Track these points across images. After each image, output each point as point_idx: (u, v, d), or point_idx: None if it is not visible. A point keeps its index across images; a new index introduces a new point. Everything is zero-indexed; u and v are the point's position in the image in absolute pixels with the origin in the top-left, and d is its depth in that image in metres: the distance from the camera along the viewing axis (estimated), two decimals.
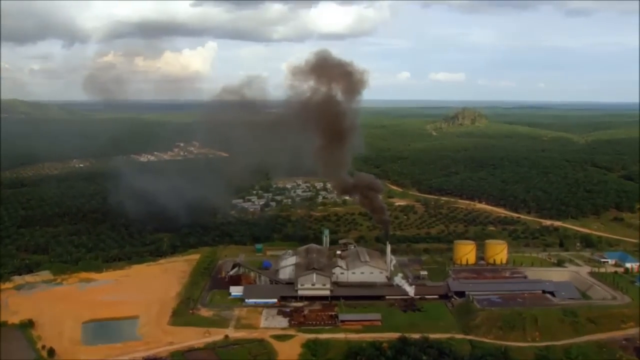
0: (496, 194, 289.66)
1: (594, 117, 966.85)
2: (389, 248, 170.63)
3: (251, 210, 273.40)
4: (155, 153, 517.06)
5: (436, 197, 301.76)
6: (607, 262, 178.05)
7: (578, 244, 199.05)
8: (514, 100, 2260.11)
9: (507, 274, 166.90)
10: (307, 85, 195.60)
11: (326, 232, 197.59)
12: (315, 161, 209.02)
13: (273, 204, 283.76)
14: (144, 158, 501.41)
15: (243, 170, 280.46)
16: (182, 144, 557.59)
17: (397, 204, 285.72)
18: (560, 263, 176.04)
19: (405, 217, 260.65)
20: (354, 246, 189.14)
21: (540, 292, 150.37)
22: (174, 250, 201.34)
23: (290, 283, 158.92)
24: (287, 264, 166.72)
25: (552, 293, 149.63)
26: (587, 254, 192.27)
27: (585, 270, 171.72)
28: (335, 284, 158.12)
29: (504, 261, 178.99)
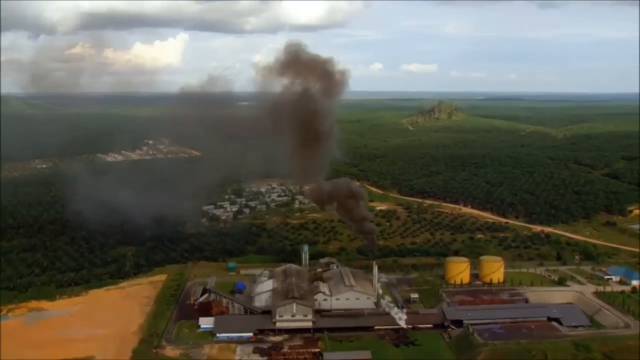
0: (482, 197, 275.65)
1: (568, 110, 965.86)
2: (375, 269, 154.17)
3: (223, 218, 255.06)
4: (123, 152, 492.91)
5: (419, 200, 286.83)
6: (611, 278, 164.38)
7: (577, 257, 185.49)
8: (486, 91, 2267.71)
9: (506, 296, 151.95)
10: (280, 83, 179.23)
11: (305, 248, 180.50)
12: (289, 167, 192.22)
13: (246, 210, 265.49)
14: (110, 157, 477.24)
15: (215, 172, 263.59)
16: (151, 142, 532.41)
17: (378, 208, 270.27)
18: (561, 281, 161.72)
19: (387, 223, 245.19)
20: (337, 266, 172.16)
21: (546, 319, 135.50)
22: (138, 270, 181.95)
23: (267, 312, 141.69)
24: (263, 289, 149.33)
25: (558, 320, 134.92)
26: (587, 268, 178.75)
27: (589, 289, 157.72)
28: (318, 312, 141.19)
29: (501, 280, 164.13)
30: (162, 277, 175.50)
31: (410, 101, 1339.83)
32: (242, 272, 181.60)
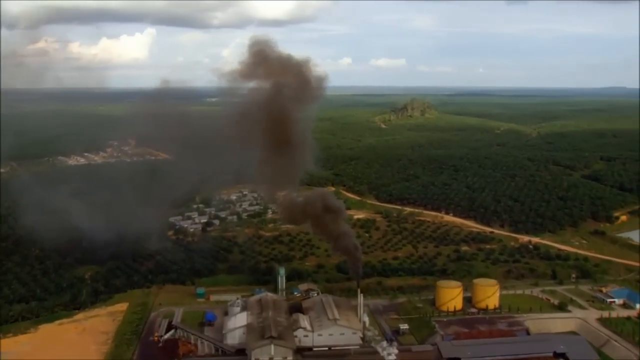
0: (464, 203, 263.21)
1: (538, 106, 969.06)
2: (360, 298, 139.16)
3: (191, 230, 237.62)
4: (86, 154, 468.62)
5: (398, 207, 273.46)
6: (614, 302, 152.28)
7: (573, 275, 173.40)
8: (453, 85, 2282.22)
9: (505, 326, 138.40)
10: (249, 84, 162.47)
11: (281, 271, 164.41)
12: (259, 176, 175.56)
13: (216, 222, 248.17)
14: (72, 160, 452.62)
15: (183, 178, 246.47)
16: (115, 143, 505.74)
17: (356, 217, 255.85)
18: (562, 306, 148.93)
19: (367, 234, 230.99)
20: (318, 293, 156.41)
21: (552, 354, 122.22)
22: (96, 297, 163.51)
23: (241, 350, 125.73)
24: (237, 324, 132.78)
25: (564, 355, 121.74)
26: (585, 288, 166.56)
27: (592, 315, 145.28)
28: (299, 350, 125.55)
29: (497, 305, 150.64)
30: (123, 307, 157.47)
31: (380, 96, 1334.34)
32: (213, 298, 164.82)
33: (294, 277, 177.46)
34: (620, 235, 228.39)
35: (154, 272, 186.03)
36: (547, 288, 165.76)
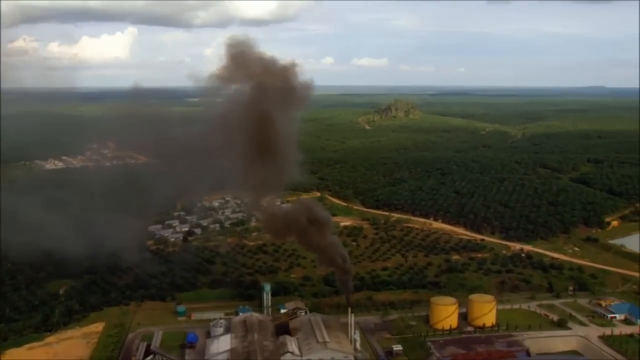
0: (453, 210, 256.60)
1: (521, 106, 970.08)
2: (352, 319, 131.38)
3: (172, 240, 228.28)
4: (64, 158, 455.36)
5: (385, 213, 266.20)
6: (615, 317, 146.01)
7: (570, 288, 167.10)
8: (436, 85, 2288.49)
9: (504, 346, 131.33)
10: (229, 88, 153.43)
11: (266, 287, 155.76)
12: (240, 185, 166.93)
13: (198, 231, 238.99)
14: (50, 164, 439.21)
15: (165, 184, 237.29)
16: (95, 146, 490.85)
17: (342, 224, 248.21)
18: (562, 323, 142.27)
19: (354, 243, 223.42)
20: (306, 312, 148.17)
21: None
22: (70, 317, 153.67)
23: None
24: (220, 348, 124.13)
25: None
26: (584, 301, 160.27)
27: (593, 332, 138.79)
28: None
29: (493, 322, 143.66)
30: (98, 327, 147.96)
31: (363, 96, 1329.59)
32: (194, 316, 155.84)
33: (280, 291, 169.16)
34: (613, 242, 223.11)
35: (132, 287, 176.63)
36: (544, 302, 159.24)
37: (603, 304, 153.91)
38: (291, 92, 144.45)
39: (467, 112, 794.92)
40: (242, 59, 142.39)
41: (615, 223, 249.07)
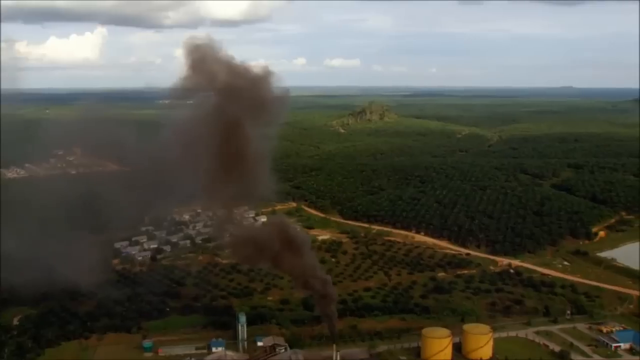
0: (436, 221, 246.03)
1: (494, 107, 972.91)
2: (337, 357, 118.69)
3: (139, 259, 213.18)
4: (27, 165, 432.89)
5: (365, 225, 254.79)
6: (620, 346, 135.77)
7: (568, 312, 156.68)
8: (408, 85, 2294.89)
9: None
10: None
11: (242, 319, 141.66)
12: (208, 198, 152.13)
13: (167, 248, 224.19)
14: (12, 173, 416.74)
15: (133, 195, 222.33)
16: (60, 152, 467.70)
17: (320, 238, 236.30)
18: (564, 356, 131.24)
19: (333, 260, 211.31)
20: (286, 348, 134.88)
21: None
22: (21, 357, 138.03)
23: None
24: None
25: None
26: (583, 326, 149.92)
27: None
28: None
29: (491, 355, 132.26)
30: None
31: (336, 98, 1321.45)
32: (162, 351, 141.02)
33: (256, 319, 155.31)
34: (602, 255, 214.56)
35: (94, 316, 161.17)
36: (541, 328, 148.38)
37: (604, 329, 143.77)
38: (262, 102, 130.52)
39: (441, 114, 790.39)
40: (203, 65, 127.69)
41: (602, 233, 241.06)
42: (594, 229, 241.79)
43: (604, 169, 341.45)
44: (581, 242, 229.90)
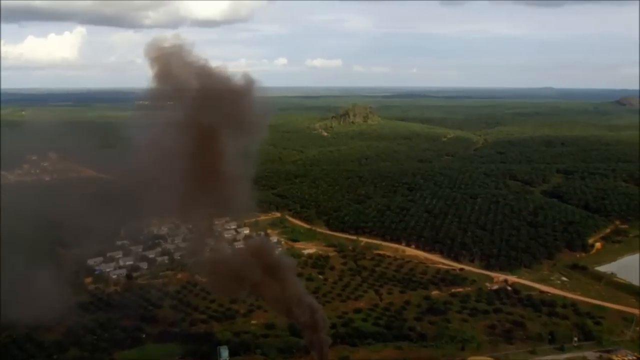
0: (427, 233, 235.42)
1: (475, 109, 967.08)
2: None
3: (114, 277, 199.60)
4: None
5: (352, 237, 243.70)
6: None
7: (575, 339, 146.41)
8: (389, 86, 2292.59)
9: None
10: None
11: (224, 354, 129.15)
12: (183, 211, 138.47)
13: (144, 265, 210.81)
14: None
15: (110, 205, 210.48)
16: (34, 157, 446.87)
17: (306, 252, 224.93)
18: None
19: (321, 277, 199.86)
20: None
21: None
22: None
23: None
24: None
25: None
26: (593, 356, 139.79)
27: None
28: None
29: None
30: None
31: (317, 98, 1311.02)
32: None
33: (238, 349, 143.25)
34: (601, 269, 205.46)
35: (62, 346, 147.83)
36: (548, 358, 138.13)
37: (616, 359, 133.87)
38: (239, 111, 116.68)
39: (425, 116, 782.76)
40: (170, 71, 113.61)
41: (598, 245, 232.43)
42: (590, 240, 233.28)
43: (594, 174, 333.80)
44: (578, 255, 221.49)
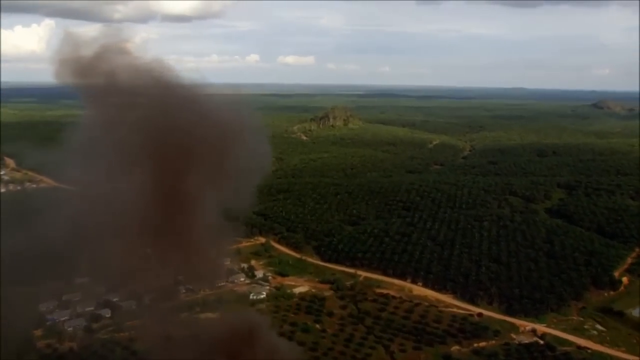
0: (435, 268, 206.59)
1: (455, 110, 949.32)
2: None
3: (69, 330, 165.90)
4: None
5: (349, 269, 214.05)
6: None
7: None
8: (362, 84, 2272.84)
9: None
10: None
11: None
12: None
13: (107, 312, 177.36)
14: None
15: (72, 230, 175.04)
16: None
17: (297, 291, 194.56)
18: None
19: (317, 326, 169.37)
20: None
21: None
22: None
23: None
24: None
25: None
26: None
27: None
28: None
29: None
30: None
31: (290, 97, 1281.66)
32: None
33: None
34: (637, 313, 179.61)
35: None
36: None
37: None
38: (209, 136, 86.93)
39: (405, 118, 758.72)
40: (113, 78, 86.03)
41: (625, 280, 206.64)
42: (616, 273, 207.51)
43: (599, 190, 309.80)
44: (606, 294, 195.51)
